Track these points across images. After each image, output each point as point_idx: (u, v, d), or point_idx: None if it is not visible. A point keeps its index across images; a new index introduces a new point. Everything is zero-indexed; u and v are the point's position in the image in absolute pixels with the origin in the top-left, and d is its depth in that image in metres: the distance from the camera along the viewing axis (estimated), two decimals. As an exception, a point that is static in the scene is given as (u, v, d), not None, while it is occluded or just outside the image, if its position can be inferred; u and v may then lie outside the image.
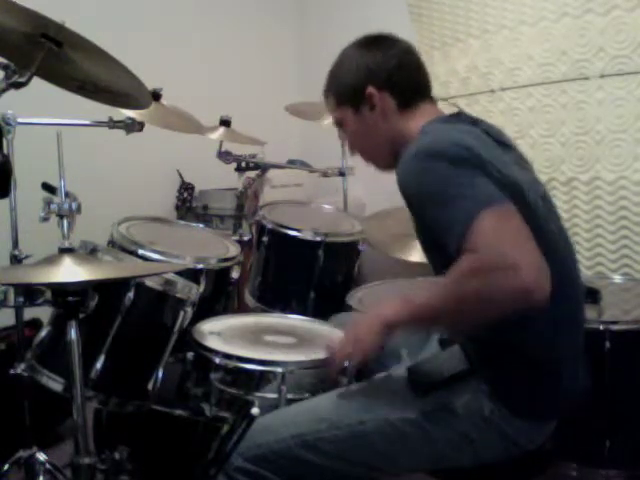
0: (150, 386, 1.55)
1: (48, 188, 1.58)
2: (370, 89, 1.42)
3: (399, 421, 1.30)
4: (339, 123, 1.52)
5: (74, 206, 1.42)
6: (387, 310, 1.26)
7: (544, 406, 1.32)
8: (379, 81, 1.42)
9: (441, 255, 1.25)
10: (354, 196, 2.85)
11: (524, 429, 1.30)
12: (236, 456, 1.32)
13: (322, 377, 1.53)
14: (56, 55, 1.33)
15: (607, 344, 1.75)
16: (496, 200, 1.16)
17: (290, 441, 1.32)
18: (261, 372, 1.47)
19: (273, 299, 2.13)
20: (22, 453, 1.75)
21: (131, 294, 1.50)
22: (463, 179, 1.19)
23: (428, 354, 1.46)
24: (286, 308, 2.02)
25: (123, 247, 1.75)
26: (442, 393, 1.31)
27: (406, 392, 1.33)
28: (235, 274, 1.95)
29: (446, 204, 1.18)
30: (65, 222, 1.41)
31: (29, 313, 2.09)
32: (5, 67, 1.31)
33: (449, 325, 1.33)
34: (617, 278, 2.28)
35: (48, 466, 1.72)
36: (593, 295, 1.92)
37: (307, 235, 2.11)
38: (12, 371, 1.56)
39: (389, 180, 3.01)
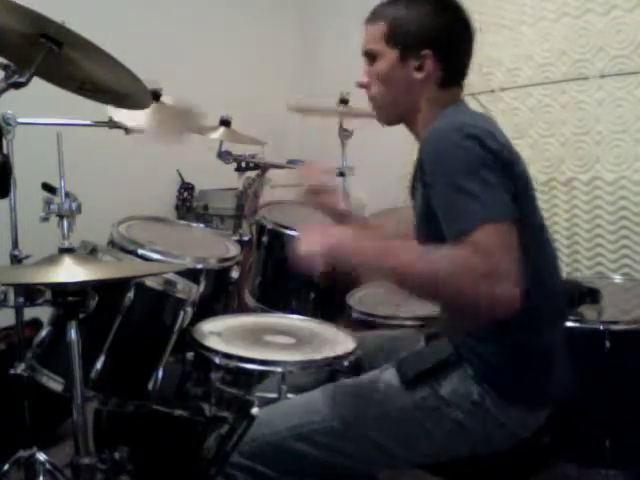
0: (150, 386, 1.55)
1: (48, 188, 1.58)
2: (428, 52, 1.35)
3: (392, 411, 1.31)
4: (372, 55, 1.42)
5: (74, 206, 1.42)
6: (345, 237, 1.25)
7: (530, 388, 1.32)
8: (441, 50, 1.36)
9: (430, 234, 1.26)
10: (354, 196, 2.85)
11: (513, 414, 1.31)
12: None
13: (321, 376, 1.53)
14: (56, 55, 1.33)
15: (607, 344, 1.75)
16: (504, 214, 1.18)
17: (285, 433, 1.32)
18: (261, 372, 1.47)
19: (273, 299, 2.13)
20: (22, 453, 1.75)
21: (131, 294, 1.50)
22: (487, 174, 1.19)
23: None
24: (286, 308, 2.02)
25: (123, 247, 1.75)
26: (430, 382, 1.32)
27: (397, 384, 1.34)
28: (235, 274, 1.94)
29: (463, 195, 1.18)
30: (65, 222, 1.41)
31: (29, 313, 2.09)
32: (5, 67, 1.31)
33: (400, 286, 1.27)
34: (617, 278, 2.28)
35: (48, 466, 1.72)
36: (593, 295, 1.92)
37: (307, 235, 2.11)
38: (12, 371, 1.56)
39: (389, 180, 3.00)
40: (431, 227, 1.30)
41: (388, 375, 1.37)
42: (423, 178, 1.29)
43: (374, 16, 1.42)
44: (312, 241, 1.25)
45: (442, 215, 1.22)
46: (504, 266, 1.13)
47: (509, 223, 1.18)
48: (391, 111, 1.46)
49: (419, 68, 1.37)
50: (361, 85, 1.46)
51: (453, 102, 1.40)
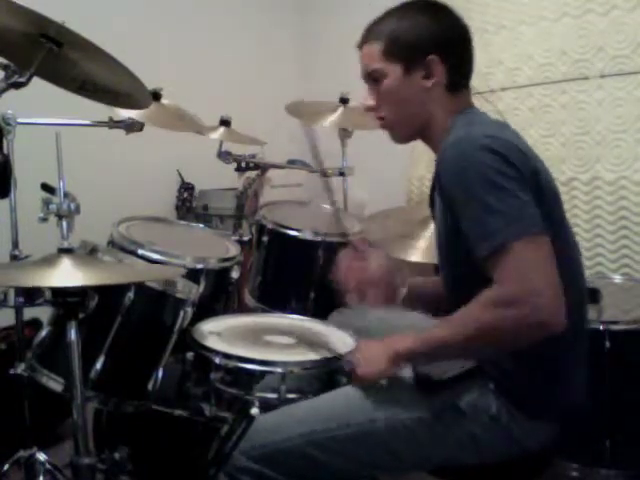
0: (150, 386, 1.55)
1: (47, 188, 1.58)
2: (434, 57, 1.34)
3: (409, 420, 1.30)
4: (376, 75, 1.39)
5: (73, 206, 1.42)
6: (399, 344, 1.28)
7: (549, 404, 1.32)
8: (444, 54, 1.35)
9: (453, 248, 1.25)
10: (354, 196, 2.85)
11: (529, 428, 1.30)
12: (239, 456, 1.31)
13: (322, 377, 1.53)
14: (56, 55, 1.33)
15: (607, 344, 1.75)
16: (535, 228, 1.17)
17: (298, 440, 1.31)
18: (261, 372, 1.47)
19: (273, 299, 2.13)
20: (22, 453, 1.75)
21: (131, 294, 1.50)
22: (511, 188, 1.18)
23: None
24: (286, 308, 2.02)
25: (123, 247, 1.75)
26: (449, 392, 1.31)
27: (414, 392, 1.33)
28: (235, 274, 1.94)
29: (487, 212, 1.17)
30: (64, 222, 1.41)
31: (29, 313, 2.09)
32: (5, 67, 1.31)
33: (464, 356, 1.32)
34: (617, 278, 2.28)
35: (48, 466, 1.72)
36: (593, 295, 1.92)
37: (307, 235, 2.11)
38: (12, 371, 1.56)
39: (389, 180, 3.00)
40: (451, 238, 1.31)
41: (404, 382, 1.35)
42: (442, 192, 1.28)
43: (367, 36, 1.41)
44: (370, 372, 1.31)
45: (468, 234, 1.21)
46: (535, 286, 1.13)
47: (538, 236, 1.17)
48: (407, 128, 1.43)
49: (427, 76, 1.36)
50: (369, 109, 1.43)
51: (465, 107, 1.39)
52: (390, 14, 1.41)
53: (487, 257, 1.17)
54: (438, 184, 1.30)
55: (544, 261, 1.16)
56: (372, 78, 1.40)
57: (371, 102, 1.42)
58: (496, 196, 1.17)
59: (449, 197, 1.26)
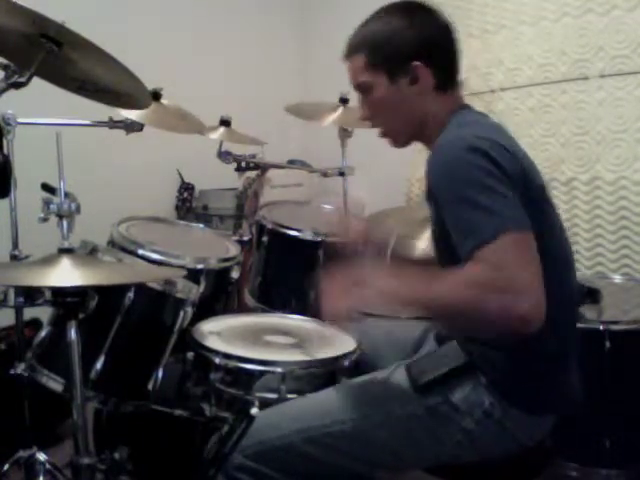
0: (150, 386, 1.55)
1: (47, 188, 1.58)
2: (417, 63, 1.35)
3: (403, 416, 1.31)
4: (364, 88, 1.41)
5: (73, 206, 1.42)
6: (383, 283, 1.26)
7: (543, 398, 1.32)
8: (427, 56, 1.35)
9: (448, 249, 1.26)
10: (354, 196, 2.85)
11: (523, 423, 1.30)
12: (236, 453, 1.31)
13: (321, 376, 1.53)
14: (56, 55, 1.33)
15: (607, 344, 1.76)
16: (519, 225, 1.16)
17: (294, 437, 1.31)
18: (261, 372, 1.47)
19: (273, 299, 2.13)
20: (22, 453, 1.75)
21: (131, 294, 1.50)
22: (497, 187, 1.17)
23: (426, 351, 1.48)
24: (286, 308, 2.02)
25: (123, 247, 1.74)
26: (442, 388, 1.31)
27: (407, 388, 1.33)
28: (235, 274, 1.94)
29: (473, 208, 1.17)
30: (65, 222, 1.41)
31: (29, 313, 2.09)
32: (5, 67, 1.31)
33: (436, 320, 1.34)
34: (617, 278, 2.29)
35: (48, 466, 1.72)
36: (593, 295, 1.92)
37: (307, 235, 2.11)
38: (12, 371, 1.56)
39: (389, 180, 3.00)
40: (442, 235, 1.30)
41: (399, 377, 1.36)
42: (429, 192, 1.28)
43: (350, 50, 1.42)
44: (338, 304, 1.29)
45: (454, 232, 1.21)
46: (522, 279, 1.11)
47: (524, 233, 1.16)
48: (403, 133, 1.44)
49: (413, 81, 1.36)
50: (364, 118, 1.45)
51: (458, 105, 1.40)
52: (369, 23, 1.42)
53: (470, 252, 1.16)
54: (427, 184, 1.30)
55: (529, 258, 1.14)
56: (361, 90, 1.43)
57: (365, 112, 1.45)
58: (481, 194, 1.17)
59: (435, 196, 1.26)
